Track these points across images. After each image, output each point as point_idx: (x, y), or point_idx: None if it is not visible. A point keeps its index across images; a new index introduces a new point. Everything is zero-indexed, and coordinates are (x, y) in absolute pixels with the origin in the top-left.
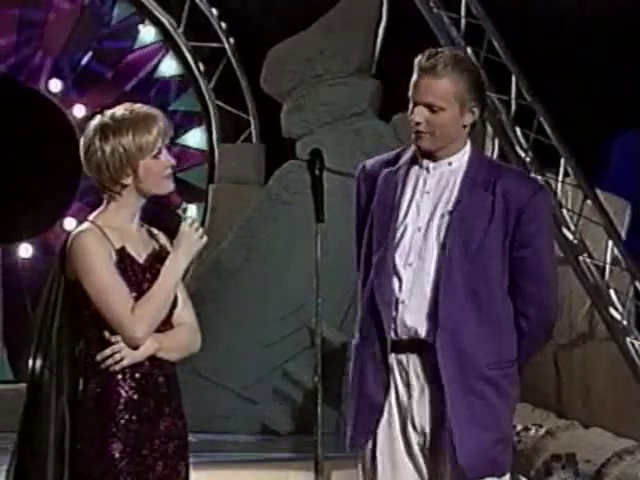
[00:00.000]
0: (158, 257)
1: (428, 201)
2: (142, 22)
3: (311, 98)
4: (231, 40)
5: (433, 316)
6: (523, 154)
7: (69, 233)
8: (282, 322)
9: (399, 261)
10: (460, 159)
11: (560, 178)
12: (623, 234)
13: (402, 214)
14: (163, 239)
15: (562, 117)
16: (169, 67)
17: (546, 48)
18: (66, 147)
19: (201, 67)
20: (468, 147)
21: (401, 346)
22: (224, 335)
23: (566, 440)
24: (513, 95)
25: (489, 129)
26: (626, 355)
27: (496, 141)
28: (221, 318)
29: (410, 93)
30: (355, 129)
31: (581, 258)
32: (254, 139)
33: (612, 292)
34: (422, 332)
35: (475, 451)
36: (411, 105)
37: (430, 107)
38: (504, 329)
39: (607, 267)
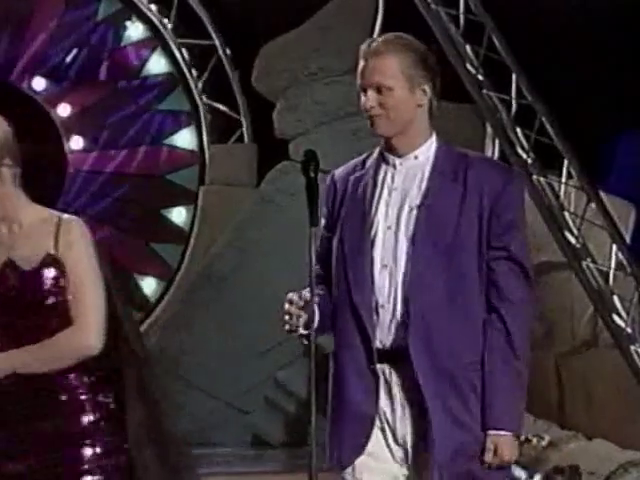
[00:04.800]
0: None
1: (397, 197)
2: (129, 18)
3: (305, 97)
4: (222, 37)
5: (407, 319)
6: (524, 155)
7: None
8: (275, 329)
9: (375, 264)
10: (426, 152)
11: (563, 180)
12: (628, 238)
13: (372, 215)
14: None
15: (564, 117)
16: (157, 65)
17: (547, 46)
18: (50, 149)
19: (191, 65)
20: (434, 139)
21: (385, 354)
22: (214, 342)
23: (569, 452)
24: (514, 94)
25: (489, 129)
26: (630, 363)
27: (496, 142)
28: (211, 324)
29: (358, 82)
30: (351, 129)
31: (584, 263)
32: (246, 139)
33: (616, 298)
34: (400, 337)
35: (455, 453)
36: (361, 94)
37: (379, 89)
38: (478, 328)
39: (611, 272)
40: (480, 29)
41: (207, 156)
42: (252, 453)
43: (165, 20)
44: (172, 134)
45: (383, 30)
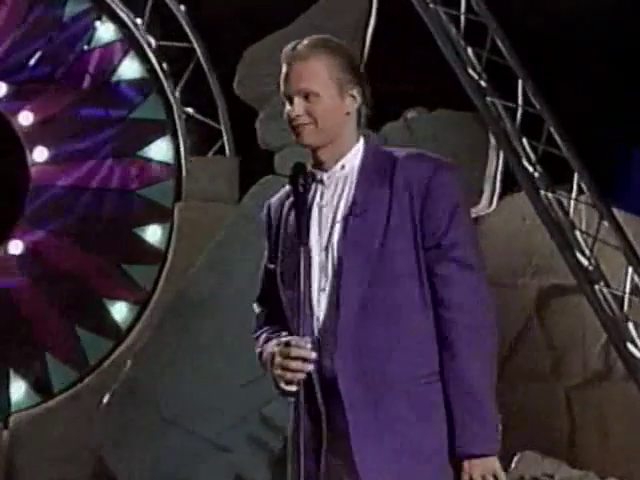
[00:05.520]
0: None
1: (327, 215)
2: (99, 18)
3: None
4: (201, 38)
5: (334, 343)
6: (531, 168)
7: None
8: None
9: (313, 289)
10: (352, 159)
11: (573, 196)
12: None
13: (306, 238)
14: None
15: (575, 126)
16: (130, 69)
17: (557, 48)
18: (10, 160)
19: (167, 69)
20: (361, 144)
21: (328, 383)
22: (193, 372)
23: None
24: (520, 102)
25: (492, 140)
26: None
27: (501, 154)
28: (189, 352)
29: (282, 89)
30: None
31: (597, 287)
32: (227, 151)
33: (631, 326)
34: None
35: None
36: (285, 102)
37: (306, 95)
38: (424, 338)
39: (626, 297)
40: (483, 30)
41: (184, 169)
42: None
43: (138, 20)
44: (146, 145)
45: (376, 32)
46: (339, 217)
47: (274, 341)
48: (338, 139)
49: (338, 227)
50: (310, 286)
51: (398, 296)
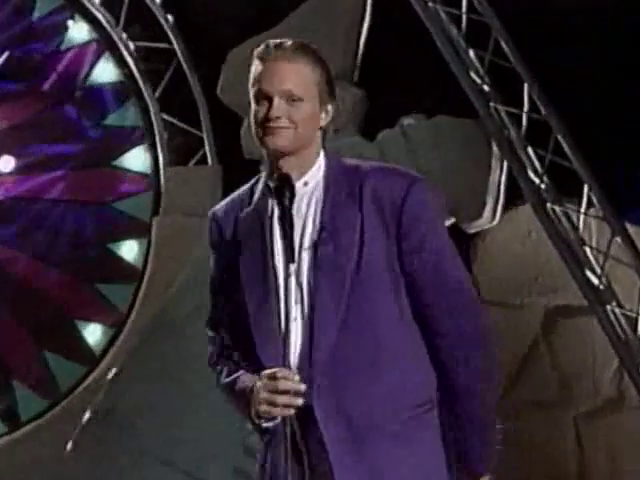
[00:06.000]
0: None
1: (294, 238)
2: (71, 17)
3: None
4: (182, 39)
5: (311, 375)
6: (537, 180)
7: None
8: None
9: (283, 318)
10: (316, 175)
11: (582, 210)
12: None
13: (270, 262)
14: None
15: (585, 135)
16: (105, 72)
17: (566, 50)
18: None
19: (145, 72)
20: (322, 157)
21: (305, 418)
22: (172, 400)
23: None
24: (525, 108)
25: (495, 149)
26: None
27: (504, 164)
28: (168, 379)
29: (258, 86)
30: (333, 148)
31: (608, 307)
32: (209, 161)
33: None
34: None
35: None
36: (260, 101)
37: (288, 97)
38: (408, 366)
39: None
40: (486, 31)
41: (163, 180)
42: None
43: (114, 20)
44: (122, 154)
45: (371, 32)
46: (307, 243)
47: (248, 375)
48: (305, 151)
49: (307, 255)
50: (280, 318)
51: (377, 322)
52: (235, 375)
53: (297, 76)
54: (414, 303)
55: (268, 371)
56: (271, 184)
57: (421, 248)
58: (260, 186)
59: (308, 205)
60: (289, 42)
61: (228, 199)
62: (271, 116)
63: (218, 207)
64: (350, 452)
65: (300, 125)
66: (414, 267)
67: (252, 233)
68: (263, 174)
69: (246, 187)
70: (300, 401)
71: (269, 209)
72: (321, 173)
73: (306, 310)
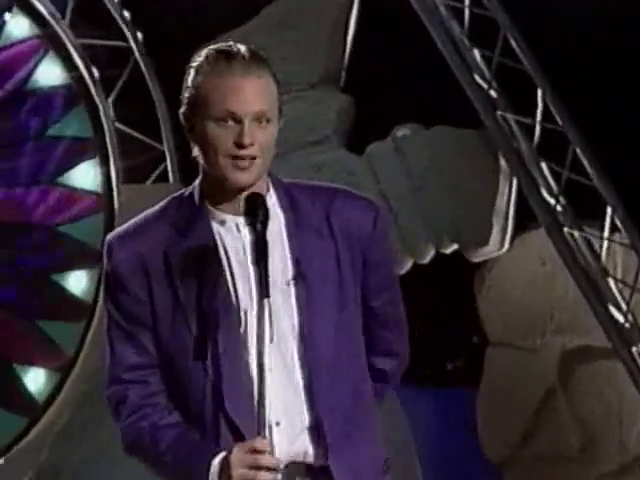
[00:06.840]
0: None
1: (255, 273)
2: (9, 9)
3: None
4: (139, 37)
5: (317, 433)
6: (552, 200)
7: None
8: None
9: (252, 367)
10: (268, 202)
11: (605, 235)
12: None
13: (229, 302)
14: None
15: (607, 148)
16: (49, 74)
17: (584, 51)
18: None
19: (96, 75)
20: (269, 181)
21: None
22: (126, 458)
23: None
24: (539, 117)
25: (503, 164)
26: None
27: (514, 181)
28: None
29: (221, 106)
30: (314, 164)
31: (635, 349)
32: (170, 178)
33: None
34: (311, 455)
35: None
36: (223, 123)
37: (259, 119)
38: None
39: None
40: (493, 28)
41: (116, 200)
42: None
43: (59, 13)
44: (68, 169)
45: (360, 29)
46: (280, 280)
47: (197, 442)
48: (260, 179)
49: (282, 293)
50: (249, 367)
51: (361, 371)
52: (179, 445)
53: (268, 94)
54: (370, 336)
55: (246, 443)
56: (240, 205)
57: (388, 285)
58: (193, 211)
59: (269, 234)
60: (242, 49)
61: (140, 221)
62: (245, 143)
63: (124, 233)
64: None
65: (266, 152)
66: (380, 302)
67: (194, 272)
68: (194, 191)
69: (162, 207)
70: (279, 476)
71: (217, 237)
72: (273, 199)
73: (287, 358)
